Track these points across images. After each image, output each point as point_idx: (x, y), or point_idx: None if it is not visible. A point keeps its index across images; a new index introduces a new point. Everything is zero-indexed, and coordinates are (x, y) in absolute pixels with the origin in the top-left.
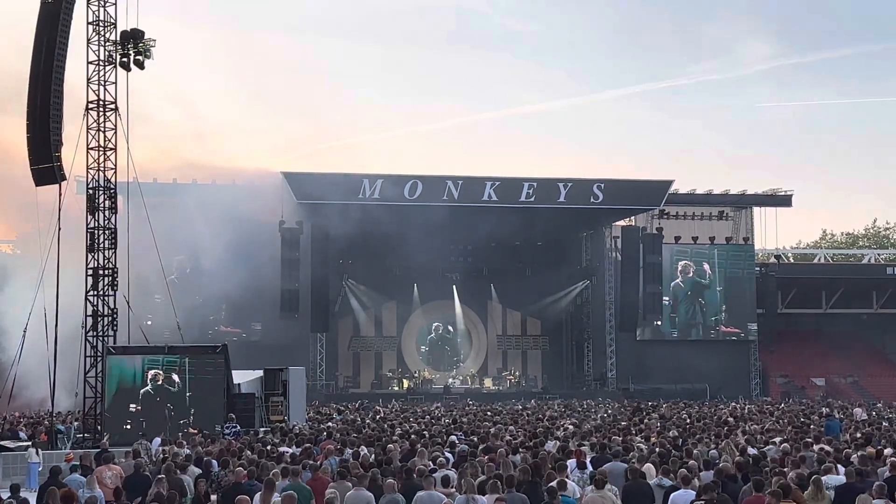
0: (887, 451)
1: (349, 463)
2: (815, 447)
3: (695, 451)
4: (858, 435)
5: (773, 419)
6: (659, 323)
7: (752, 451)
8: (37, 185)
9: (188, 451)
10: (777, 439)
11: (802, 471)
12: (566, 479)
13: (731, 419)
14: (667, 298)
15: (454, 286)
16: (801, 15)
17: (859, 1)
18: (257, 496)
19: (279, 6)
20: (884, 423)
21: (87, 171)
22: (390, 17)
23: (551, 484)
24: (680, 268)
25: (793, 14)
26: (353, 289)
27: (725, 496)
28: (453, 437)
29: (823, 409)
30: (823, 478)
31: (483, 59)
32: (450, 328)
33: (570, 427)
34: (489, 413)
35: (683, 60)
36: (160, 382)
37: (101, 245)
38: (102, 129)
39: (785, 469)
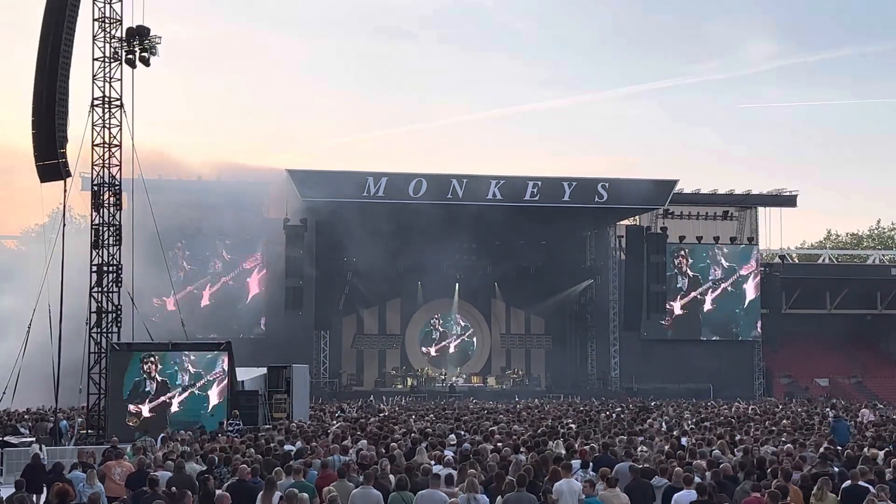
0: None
1: (351, 461)
2: (821, 447)
3: (698, 452)
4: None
5: (775, 418)
6: (663, 322)
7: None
8: (42, 182)
9: (186, 448)
10: (782, 439)
11: (806, 472)
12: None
13: (733, 419)
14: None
15: (457, 284)
16: (806, 14)
17: (864, 1)
18: (259, 495)
19: (283, 4)
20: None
21: (92, 168)
22: (394, 14)
23: (558, 483)
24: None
25: (797, 13)
26: (356, 286)
27: (724, 496)
28: (453, 435)
29: (828, 410)
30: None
31: (487, 57)
32: (452, 325)
33: (573, 426)
34: (491, 411)
35: (687, 60)
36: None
37: (106, 241)
38: (107, 125)
39: (789, 469)
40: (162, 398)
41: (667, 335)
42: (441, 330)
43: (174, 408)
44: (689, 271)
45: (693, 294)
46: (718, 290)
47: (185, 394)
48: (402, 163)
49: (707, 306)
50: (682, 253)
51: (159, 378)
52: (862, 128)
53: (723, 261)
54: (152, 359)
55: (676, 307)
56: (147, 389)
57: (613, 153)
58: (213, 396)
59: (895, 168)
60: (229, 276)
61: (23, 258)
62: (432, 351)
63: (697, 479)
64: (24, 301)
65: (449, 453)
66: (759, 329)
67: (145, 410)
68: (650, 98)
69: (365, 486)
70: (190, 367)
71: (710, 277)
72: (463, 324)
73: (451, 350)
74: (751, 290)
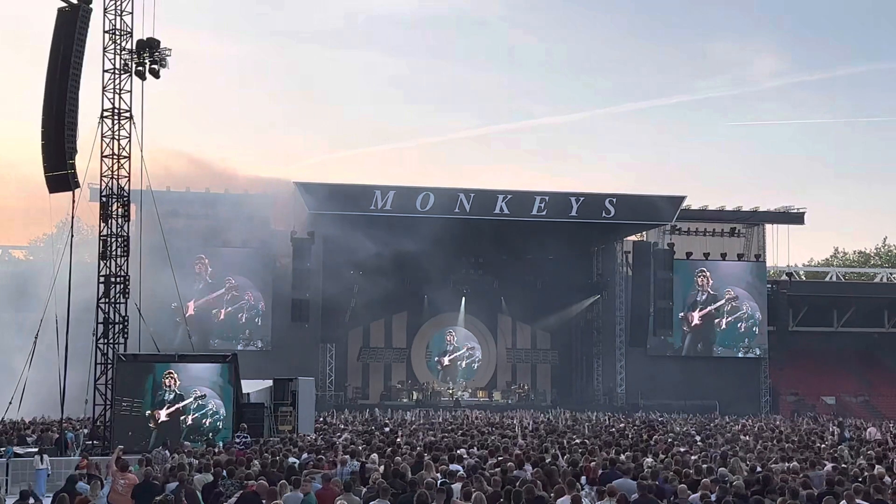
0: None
1: (358, 474)
2: (828, 467)
3: (704, 468)
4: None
5: (781, 436)
6: (685, 328)
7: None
8: (50, 192)
9: (193, 460)
10: (788, 456)
11: (812, 490)
12: (580, 495)
13: (742, 437)
14: (681, 314)
15: (464, 298)
16: (813, 32)
17: (870, 18)
18: None
19: (291, 19)
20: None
21: (101, 179)
22: (402, 29)
23: (561, 499)
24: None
25: (804, 31)
26: (363, 300)
27: None
28: (462, 451)
29: (832, 426)
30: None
31: (496, 73)
32: (455, 339)
33: (577, 441)
34: (497, 426)
35: (694, 76)
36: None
37: (114, 253)
38: (117, 137)
39: (795, 488)
40: (177, 405)
41: (674, 350)
42: (455, 345)
43: (188, 421)
44: (710, 290)
45: (710, 308)
46: (728, 308)
47: (197, 411)
48: (410, 176)
49: (722, 325)
50: (704, 273)
51: (178, 391)
52: (870, 146)
53: (736, 280)
54: (171, 374)
55: (695, 318)
56: (166, 398)
57: (621, 169)
58: (224, 410)
59: None
60: (235, 287)
61: (31, 268)
62: (445, 360)
63: (709, 497)
64: (32, 311)
65: (456, 468)
66: (765, 346)
67: (162, 415)
68: (659, 114)
69: (381, 500)
70: (204, 384)
71: (727, 297)
72: (471, 345)
73: (460, 365)
74: (758, 308)
